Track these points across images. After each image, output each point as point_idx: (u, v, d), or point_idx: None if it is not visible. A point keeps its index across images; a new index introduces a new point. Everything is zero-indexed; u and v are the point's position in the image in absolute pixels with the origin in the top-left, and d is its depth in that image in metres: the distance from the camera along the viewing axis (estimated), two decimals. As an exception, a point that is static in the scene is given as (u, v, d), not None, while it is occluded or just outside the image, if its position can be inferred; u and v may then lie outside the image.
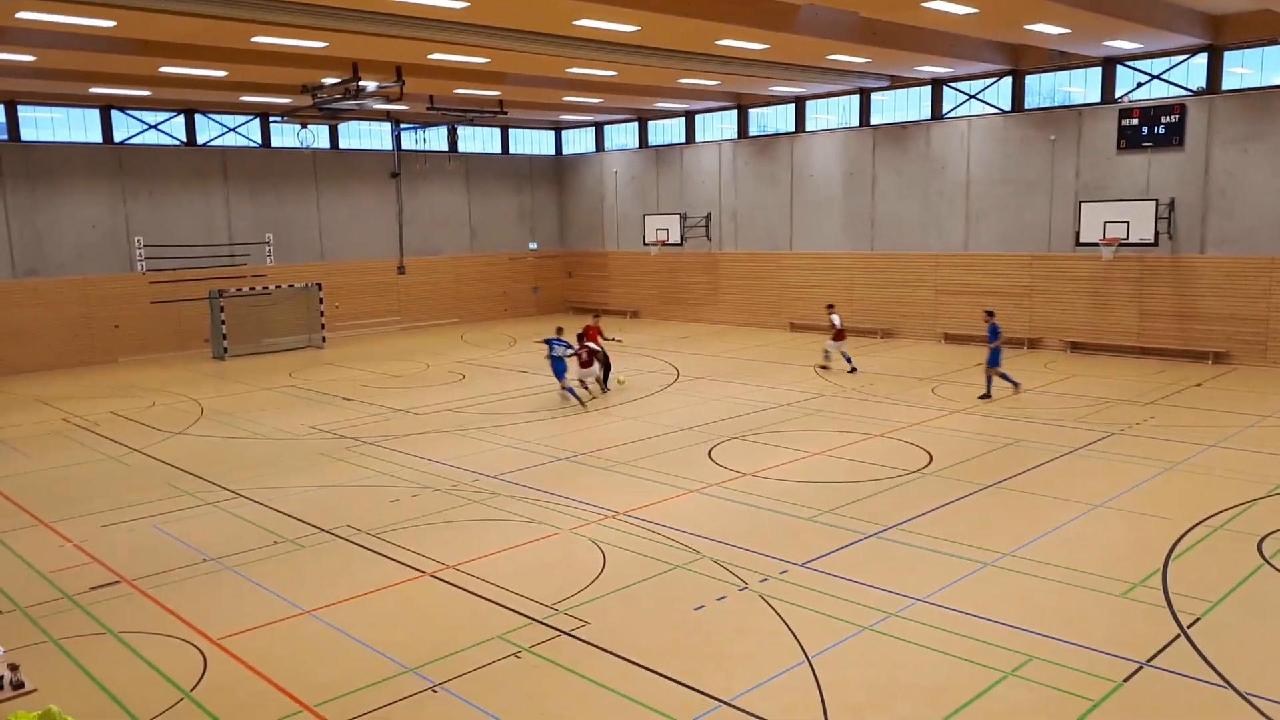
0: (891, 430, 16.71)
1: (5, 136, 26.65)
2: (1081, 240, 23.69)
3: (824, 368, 23.18)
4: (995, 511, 12.20)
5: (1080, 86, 25.30)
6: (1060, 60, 24.07)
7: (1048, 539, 11.07)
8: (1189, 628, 8.63)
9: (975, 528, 11.49)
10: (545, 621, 9.11)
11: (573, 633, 8.85)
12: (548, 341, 19.99)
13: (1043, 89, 25.89)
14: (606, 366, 21.26)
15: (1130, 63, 23.92)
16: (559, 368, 19.75)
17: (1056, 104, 25.60)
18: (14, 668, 7.42)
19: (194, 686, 8.06)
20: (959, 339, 27.00)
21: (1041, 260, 25.49)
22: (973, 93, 26.90)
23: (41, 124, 27.46)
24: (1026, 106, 25.87)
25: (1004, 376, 19.39)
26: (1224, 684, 7.61)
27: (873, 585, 9.76)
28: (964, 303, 27.00)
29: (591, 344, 20.73)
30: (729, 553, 10.79)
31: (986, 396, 19.11)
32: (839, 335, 22.92)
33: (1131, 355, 23.99)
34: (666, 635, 8.77)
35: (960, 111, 27.24)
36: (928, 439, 15.99)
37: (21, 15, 16.42)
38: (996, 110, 26.41)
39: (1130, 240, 22.80)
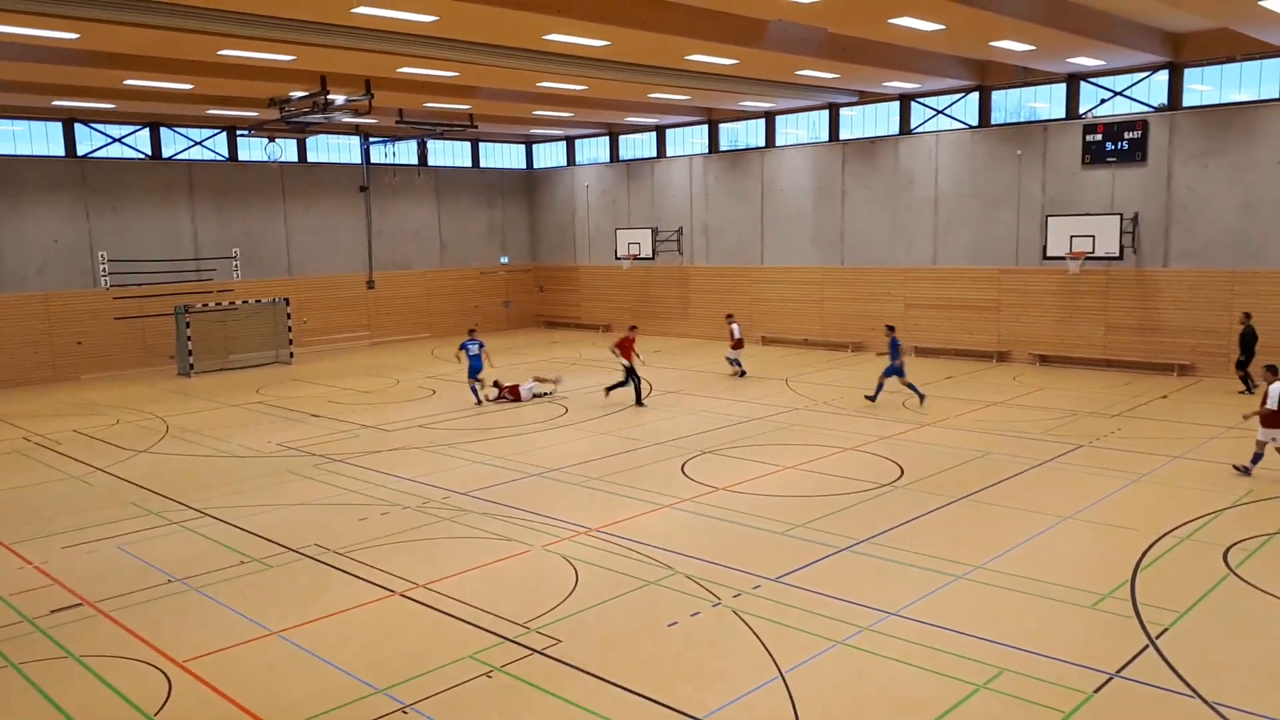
0: (863, 444, 16.77)
1: (-35, 150, 26.23)
2: (1048, 254, 23.98)
3: (739, 374, 24.43)
4: (966, 524, 12.26)
5: (1046, 102, 25.68)
6: (1026, 76, 24.42)
7: (1018, 551, 11.14)
8: (1157, 638, 8.70)
9: (946, 541, 11.54)
10: (517, 640, 9.02)
11: (545, 651, 8.77)
12: (464, 345, 21.84)
13: (1009, 104, 26.24)
14: (638, 381, 21.47)
15: (1094, 79, 24.31)
16: (476, 364, 21.63)
17: (1023, 119, 25.95)
18: (-30, 695, 7.25)
19: (159, 710, 7.89)
20: (930, 352, 27.21)
21: (1009, 274, 25.78)
22: (940, 108, 27.21)
23: (2, 137, 27.05)
24: (993, 122, 26.20)
25: (910, 387, 20.31)
26: (1193, 694, 7.67)
27: (845, 599, 9.76)
28: (934, 316, 27.24)
29: (625, 360, 21.13)
30: (702, 568, 10.76)
31: (872, 399, 20.38)
32: (738, 344, 24.45)
33: (1098, 368, 24.29)
34: (640, 652, 8.71)
35: (928, 127, 27.54)
36: (899, 452, 16.07)
37: (-18, 27, 16.18)
38: (964, 125, 26.73)
39: (1096, 254, 23.12)
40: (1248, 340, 20.69)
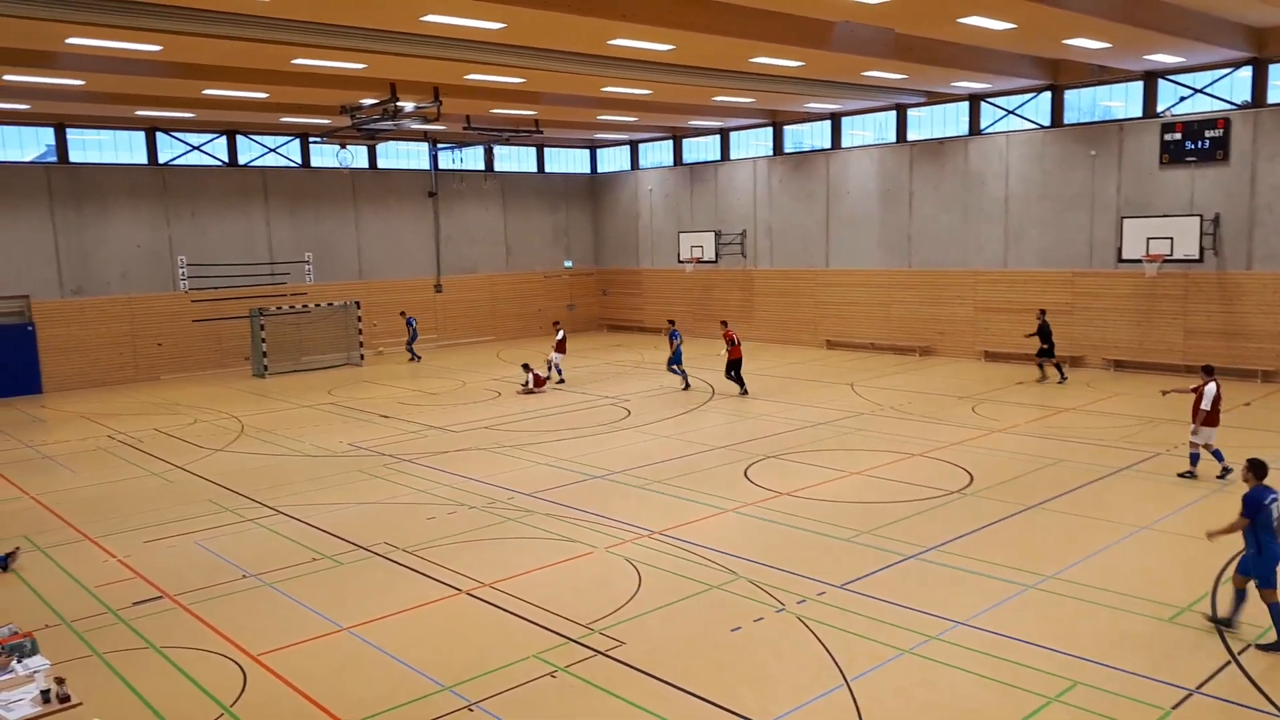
0: (931, 450, 16.51)
1: (54, 159, 27.30)
2: (1124, 256, 23.34)
3: (560, 381, 25.04)
4: (1038, 533, 11.99)
5: (1121, 101, 25.00)
6: (1100, 75, 23.82)
7: (1092, 561, 10.86)
8: (1240, 654, 8.41)
9: (1017, 549, 11.30)
10: (581, 641, 9.07)
11: (608, 653, 8.81)
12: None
13: (1082, 104, 25.62)
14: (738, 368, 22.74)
15: (1172, 76, 23.60)
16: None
17: (1097, 119, 25.31)
18: (60, 681, 7.52)
19: (234, 702, 8.12)
20: (999, 357, 26.68)
21: (1083, 277, 25.15)
22: (1011, 108, 26.67)
23: (89, 146, 28.09)
24: (1066, 121, 25.60)
25: (680, 374, 23.39)
26: (1277, 712, 7.40)
27: (912, 608, 9.62)
28: (1005, 320, 26.70)
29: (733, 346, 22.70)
30: (766, 573, 10.70)
31: (686, 388, 23.14)
32: (560, 347, 25.43)
33: (1177, 374, 23.52)
34: (703, 656, 8.70)
35: (999, 127, 27.02)
36: (968, 459, 15.79)
37: (71, 41, 16.84)
38: (1036, 125, 26.16)
39: (1174, 257, 22.44)
40: (1045, 333, 22.97)
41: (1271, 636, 8.56)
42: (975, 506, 13.12)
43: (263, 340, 28.40)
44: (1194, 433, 14.24)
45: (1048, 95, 25.80)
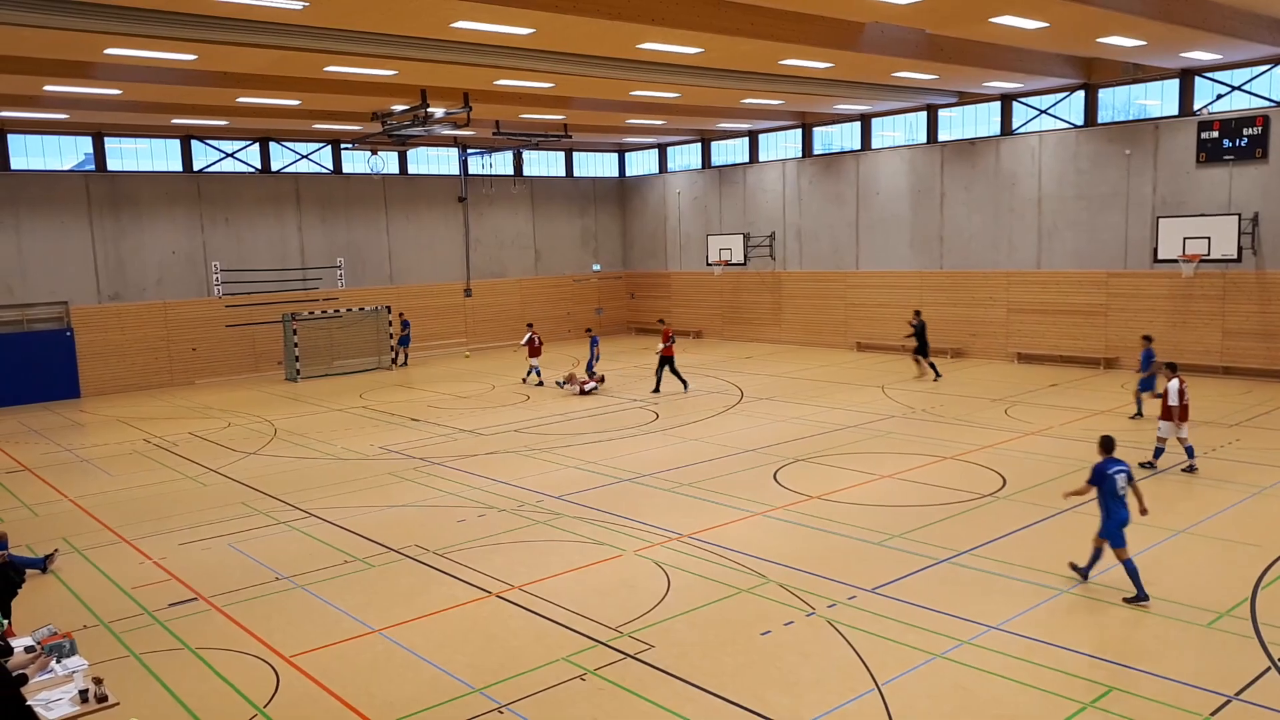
0: (963, 453, 16.36)
1: (92, 167, 27.77)
2: (1160, 256, 23.02)
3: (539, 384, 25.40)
4: (1072, 537, 11.82)
5: (1156, 99, 24.66)
6: (1135, 73, 23.51)
7: (1128, 566, 10.69)
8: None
9: (1051, 553, 11.16)
10: (610, 644, 9.08)
11: (638, 656, 8.80)
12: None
13: (1117, 102, 25.30)
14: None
15: (1209, 74, 23.25)
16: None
17: (1132, 117, 24.99)
18: (98, 681, 7.64)
19: (267, 703, 8.20)
20: (1033, 359, 26.39)
21: (1118, 277, 24.82)
22: (1044, 107, 26.40)
23: (126, 154, 28.55)
24: (1100, 120, 25.30)
25: (585, 378, 24.36)
26: (1321, 721, 7.25)
27: (945, 612, 9.53)
28: (1038, 321, 26.42)
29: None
30: (796, 577, 10.65)
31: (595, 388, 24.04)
32: (535, 352, 25.78)
33: (1215, 375, 23.17)
34: (733, 660, 8.67)
35: (1031, 127, 26.74)
36: (1001, 462, 15.62)
37: (110, 51, 17.13)
38: (1069, 125, 25.87)
39: (1212, 256, 22.09)
40: (920, 333, 24.41)
41: (1132, 591, 9.70)
42: (1008, 510, 12.98)
43: (295, 345, 28.70)
44: (1159, 428, 14.91)
45: (1081, 94, 25.51)
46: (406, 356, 31.45)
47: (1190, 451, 14.83)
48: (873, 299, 30.36)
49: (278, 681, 8.60)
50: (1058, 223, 25.88)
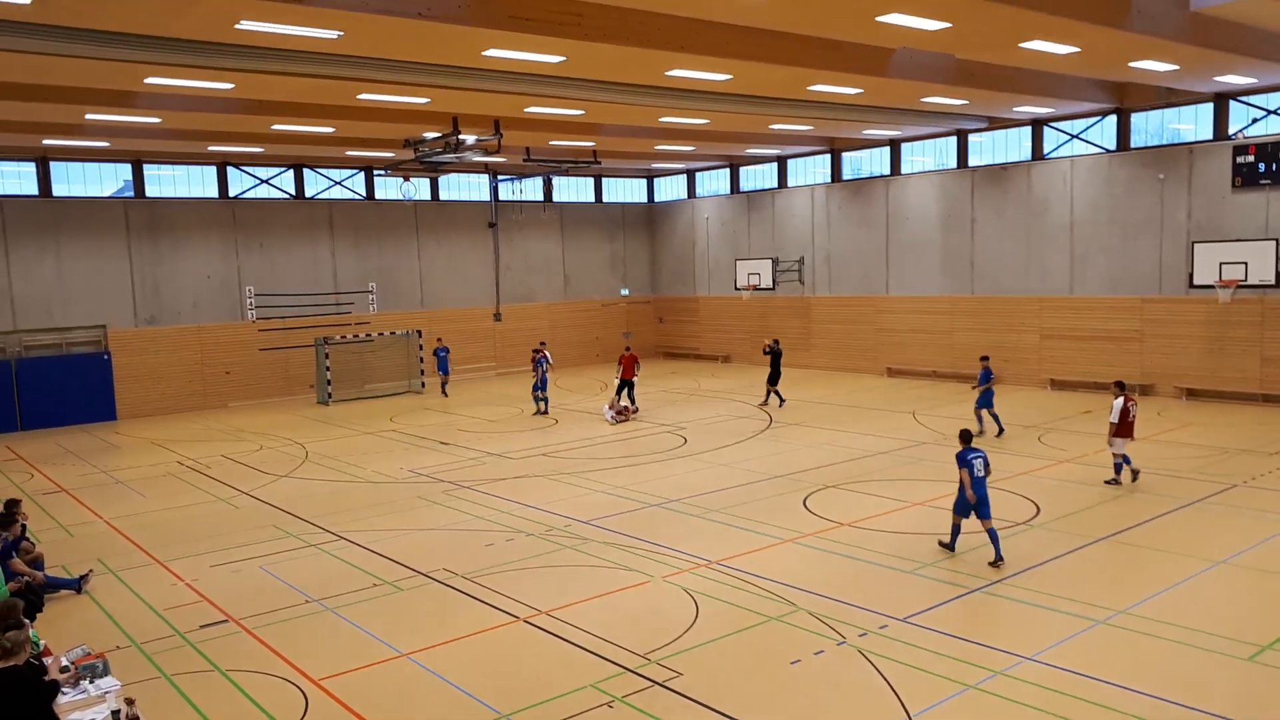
0: (996, 480, 16.08)
1: (131, 194, 28.30)
2: (1195, 282, 22.72)
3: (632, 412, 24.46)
4: (1108, 566, 11.64)
5: (1191, 123, 24.44)
6: (1168, 97, 23.33)
7: (1166, 596, 10.50)
8: None
9: (1087, 583, 10.98)
10: (638, 671, 9.01)
11: (666, 684, 8.73)
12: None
13: (1150, 127, 25.10)
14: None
15: (1244, 98, 23.03)
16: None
17: (1165, 142, 24.76)
18: (130, 702, 7.69)
19: (295, 727, 8.20)
20: (1067, 385, 26.07)
21: (1152, 303, 24.51)
22: (1076, 132, 26.24)
23: (164, 181, 29.08)
24: (1133, 145, 25.10)
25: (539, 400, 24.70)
26: (1369, 759, 7.05)
27: (978, 642, 9.39)
28: (1071, 347, 26.13)
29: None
30: (826, 605, 10.54)
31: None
32: (628, 373, 24.64)
33: (1253, 403, 22.77)
34: (762, 689, 8.57)
35: (1063, 151, 26.59)
36: (1034, 489, 15.42)
37: (150, 81, 17.50)
38: (1101, 150, 25.69)
39: (1249, 282, 21.77)
40: (775, 359, 25.25)
41: (991, 555, 11.67)
42: (1042, 538, 12.79)
43: (327, 368, 28.96)
44: (1110, 444, 15.67)
45: (1114, 119, 25.35)
46: (444, 385, 29.89)
47: (1118, 468, 15.61)
48: (903, 324, 30.18)
49: (306, 704, 8.62)
50: (1090, 248, 25.65)
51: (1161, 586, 10.80)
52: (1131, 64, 19.49)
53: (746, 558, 12.35)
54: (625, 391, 24.39)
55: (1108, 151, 25.46)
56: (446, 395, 29.30)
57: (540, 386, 24.92)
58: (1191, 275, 22.87)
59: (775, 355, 25.17)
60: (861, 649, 9.33)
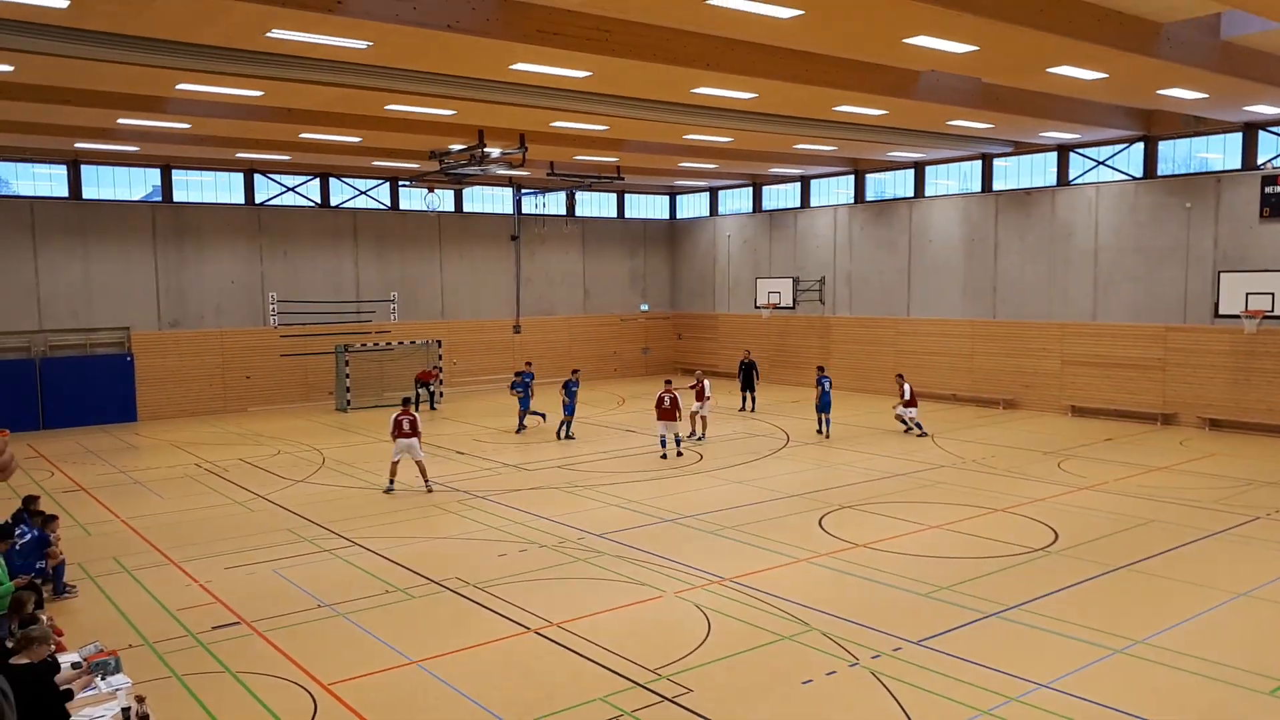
0: (1014, 505, 16.01)
1: (159, 198, 28.62)
2: (1221, 312, 22.52)
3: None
4: (1127, 595, 11.49)
5: (1219, 153, 24.27)
6: (1197, 126, 23.17)
7: (1186, 627, 10.35)
8: (1350, 734, 7.89)
9: (1105, 611, 10.83)
10: (648, 686, 8.95)
11: (676, 699, 8.67)
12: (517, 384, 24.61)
13: (1177, 155, 24.94)
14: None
15: (1273, 128, 22.85)
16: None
17: (1193, 170, 24.59)
18: (140, 700, 7.70)
19: (303, 730, 8.19)
20: (1088, 412, 25.83)
21: (1177, 332, 24.29)
22: (1102, 159, 26.11)
23: (191, 186, 29.39)
24: (1160, 173, 24.95)
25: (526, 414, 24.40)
26: (1393, 800, 6.90)
27: (992, 667, 9.27)
28: (1093, 374, 25.90)
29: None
30: (840, 626, 10.45)
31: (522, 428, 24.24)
32: (668, 415, 21.15)
33: (1278, 435, 22.48)
34: (773, 708, 8.50)
35: (1088, 178, 26.45)
36: (1053, 516, 15.26)
37: (181, 87, 17.73)
38: (1127, 177, 25.54)
39: (1276, 313, 21.54)
40: (747, 372, 27.49)
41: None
42: (1060, 565, 12.64)
43: (347, 375, 29.09)
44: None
45: (1140, 146, 25.21)
46: (523, 420, 24.97)
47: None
48: (924, 346, 30.03)
49: (315, 708, 8.61)
50: (1114, 275, 25.46)
51: (1181, 617, 10.65)
52: (1160, 91, 19.40)
53: (760, 576, 12.27)
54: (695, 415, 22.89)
55: (1134, 179, 25.31)
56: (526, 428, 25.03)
57: (525, 404, 24.58)
58: (1217, 304, 22.67)
59: (748, 368, 27.41)
60: (874, 671, 9.23)
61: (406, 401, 19.44)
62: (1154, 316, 24.70)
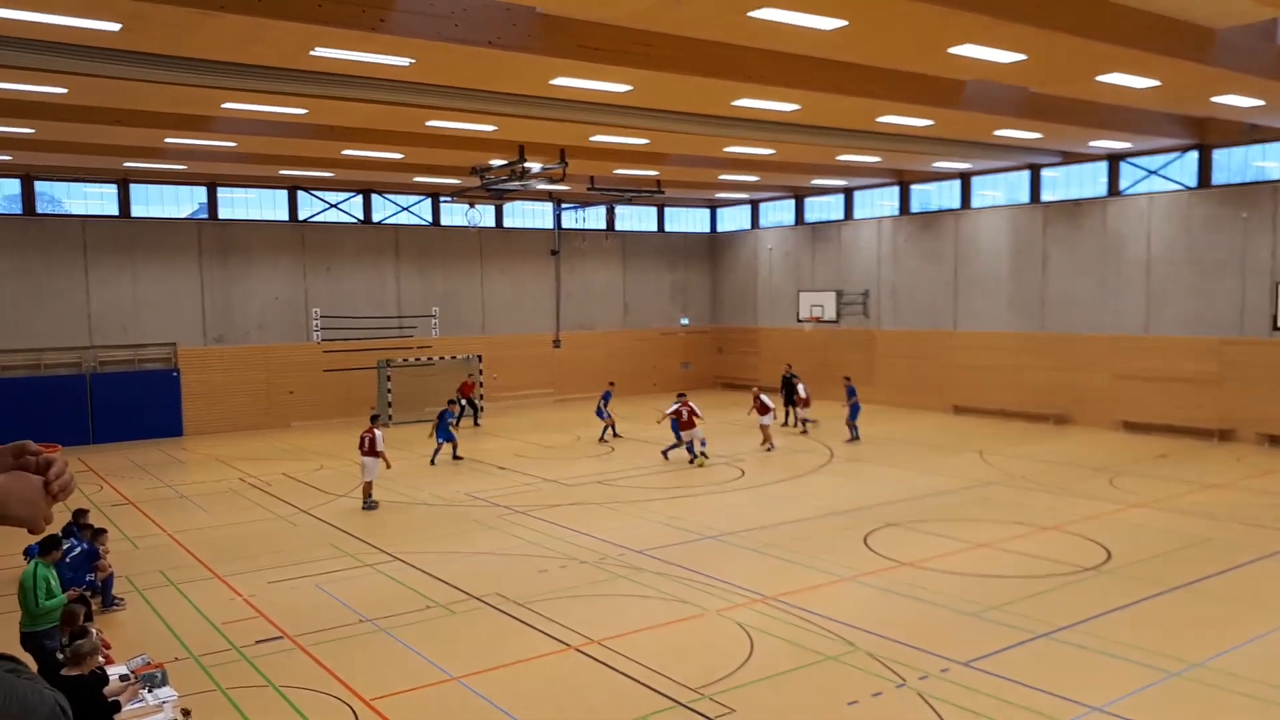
0: (1064, 523, 15.62)
1: (205, 215, 29.12)
2: None
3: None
4: (1183, 616, 11.12)
5: (1276, 161, 23.65)
6: (1253, 134, 22.62)
7: (1246, 650, 9.98)
8: None
9: (1160, 633, 10.49)
10: (690, 705, 8.80)
11: (719, 720, 8.51)
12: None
13: (1233, 164, 24.35)
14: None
15: (1332, 135, 22.24)
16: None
17: (1249, 180, 23.99)
18: (186, 713, 7.74)
19: (344, 747, 8.15)
20: (1140, 428, 25.22)
21: (1233, 345, 23.64)
22: (1154, 168, 25.57)
23: (237, 203, 29.87)
24: (1214, 183, 24.36)
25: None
26: None
27: (1043, 689, 8.99)
28: (1145, 389, 25.28)
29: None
30: (886, 646, 10.21)
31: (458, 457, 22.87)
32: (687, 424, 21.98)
33: (1339, 451, 21.77)
34: (818, 730, 8.30)
35: (1140, 188, 25.91)
36: (1105, 534, 14.85)
37: (227, 106, 18.01)
38: (1181, 186, 24.98)
39: (1336, 325, 20.91)
40: (788, 386, 27.24)
41: None
42: (1113, 585, 12.28)
43: (388, 391, 29.28)
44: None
45: (1194, 155, 24.65)
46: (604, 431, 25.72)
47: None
48: (971, 360, 29.55)
49: (355, 725, 8.57)
50: (1168, 287, 24.87)
51: (1239, 640, 10.27)
52: (1214, 99, 18.95)
53: (804, 594, 12.06)
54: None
55: (1187, 188, 24.75)
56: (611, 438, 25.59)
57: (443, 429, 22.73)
58: (1276, 317, 22.04)
59: (788, 381, 27.41)
60: (921, 692, 9.00)
61: (374, 419, 19.18)
62: (1209, 329, 24.07)
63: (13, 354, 25.88)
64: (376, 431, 17.92)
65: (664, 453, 22.17)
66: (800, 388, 26.34)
